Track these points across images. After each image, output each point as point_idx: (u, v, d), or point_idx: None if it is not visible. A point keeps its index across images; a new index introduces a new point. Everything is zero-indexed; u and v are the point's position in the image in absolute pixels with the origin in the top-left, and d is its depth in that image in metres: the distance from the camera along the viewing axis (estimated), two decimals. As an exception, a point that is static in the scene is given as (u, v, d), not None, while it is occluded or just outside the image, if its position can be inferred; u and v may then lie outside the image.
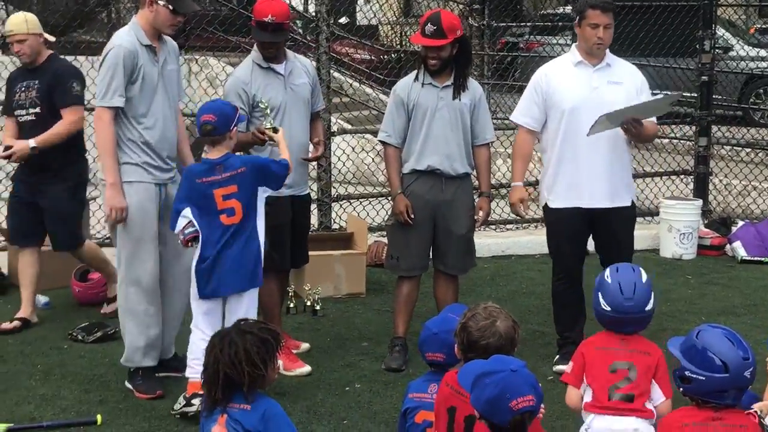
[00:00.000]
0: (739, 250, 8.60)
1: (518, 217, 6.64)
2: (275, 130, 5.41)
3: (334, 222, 8.70)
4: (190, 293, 5.12)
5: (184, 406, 4.95)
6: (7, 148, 6.26)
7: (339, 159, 9.45)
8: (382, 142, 5.91)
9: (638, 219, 6.44)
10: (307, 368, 5.69)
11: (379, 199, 9.07)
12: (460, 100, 5.76)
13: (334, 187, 8.93)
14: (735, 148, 10.97)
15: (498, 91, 12.70)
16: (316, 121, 5.97)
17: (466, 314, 3.64)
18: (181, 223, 4.99)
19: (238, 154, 5.33)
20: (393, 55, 12.59)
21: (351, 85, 12.38)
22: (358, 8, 15.95)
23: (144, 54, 5.20)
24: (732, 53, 13.30)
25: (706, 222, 9.29)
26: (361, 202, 9.13)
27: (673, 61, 10.93)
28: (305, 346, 6.10)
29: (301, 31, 12.10)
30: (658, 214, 9.13)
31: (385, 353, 5.94)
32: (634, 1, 11.12)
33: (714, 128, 10.26)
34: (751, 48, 13.67)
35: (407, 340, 5.85)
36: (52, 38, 6.60)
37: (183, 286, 5.34)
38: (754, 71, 13.13)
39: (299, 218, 5.86)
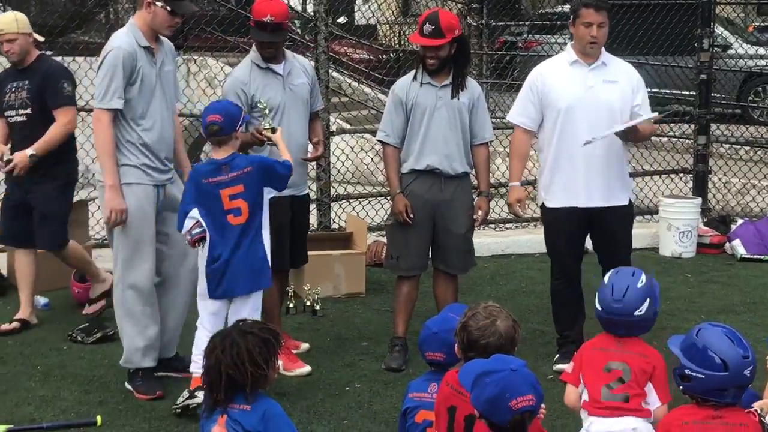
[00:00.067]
0: (739, 248, 8.60)
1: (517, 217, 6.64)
2: (273, 131, 5.42)
3: (334, 222, 8.70)
4: (197, 292, 5.13)
5: (187, 398, 4.96)
6: (8, 161, 6.23)
7: (338, 159, 9.44)
8: (381, 142, 5.91)
9: (637, 217, 6.46)
10: (307, 368, 5.68)
11: (379, 198, 9.06)
12: (458, 99, 5.75)
13: (334, 187, 8.94)
14: (734, 146, 10.97)
15: (497, 90, 12.68)
16: (315, 121, 5.97)
17: (466, 313, 3.64)
18: (189, 223, 5.00)
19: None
20: (392, 55, 12.56)
21: (350, 84, 12.36)
22: (356, 8, 15.92)
23: (142, 55, 5.20)
24: (731, 51, 13.29)
25: (705, 220, 9.29)
26: (360, 202, 9.12)
27: (671, 60, 10.92)
28: (305, 346, 6.10)
29: (299, 30, 12.07)
30: (657, 212, 9.11)
31: (384, 353, 5.94)
32: (633, -1, 11.15)
33: (713, 126, 10.27)
34: (749, 46, 13.68)
35: (407, 340, 5.85)
36: (41, 38, 6.57)
37: (187, 286, 5.36)
38: (752, 69, 13.12)
39: (298, 218, 5.86)
